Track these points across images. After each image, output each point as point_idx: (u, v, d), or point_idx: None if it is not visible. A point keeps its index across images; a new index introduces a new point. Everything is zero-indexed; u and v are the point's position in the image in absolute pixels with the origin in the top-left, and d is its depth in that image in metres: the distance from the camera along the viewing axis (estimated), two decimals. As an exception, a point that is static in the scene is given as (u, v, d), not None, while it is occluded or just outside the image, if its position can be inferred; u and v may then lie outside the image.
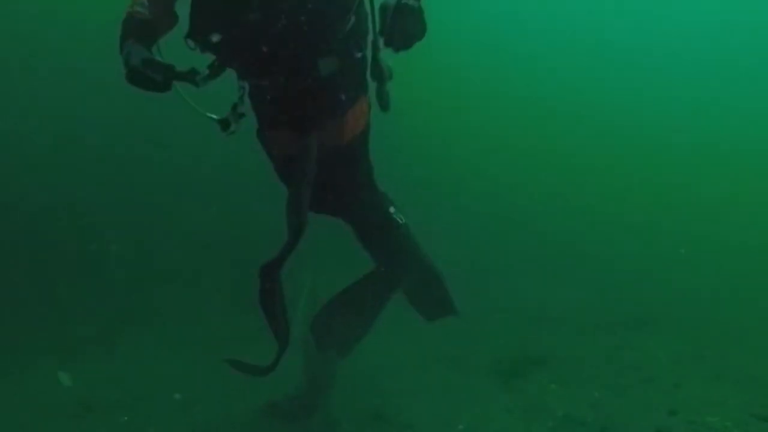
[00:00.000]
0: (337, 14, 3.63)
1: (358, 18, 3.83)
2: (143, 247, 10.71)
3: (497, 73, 26.81)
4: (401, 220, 4.88)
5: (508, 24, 32.52)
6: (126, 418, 6.82)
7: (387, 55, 3.84)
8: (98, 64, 8.35)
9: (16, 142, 11.72)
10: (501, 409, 7.21)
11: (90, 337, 8.70)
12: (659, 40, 34.75)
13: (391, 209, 4.85)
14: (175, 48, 3.89)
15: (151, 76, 3.36)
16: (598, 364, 8.71)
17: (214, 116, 3.87)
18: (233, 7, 3.45)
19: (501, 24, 32.26)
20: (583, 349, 9.41)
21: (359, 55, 3.96)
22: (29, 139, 11.93)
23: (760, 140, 24.70)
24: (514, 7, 33.35)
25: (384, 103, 4.00)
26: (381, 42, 3.61)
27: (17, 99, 11.89)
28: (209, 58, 3.75)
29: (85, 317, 9.09)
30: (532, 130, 22.26)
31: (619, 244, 15.40)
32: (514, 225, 15.23)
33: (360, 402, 7.17)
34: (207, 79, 3.64)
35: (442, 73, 21.62)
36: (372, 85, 4.05)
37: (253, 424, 6.79)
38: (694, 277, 13.06)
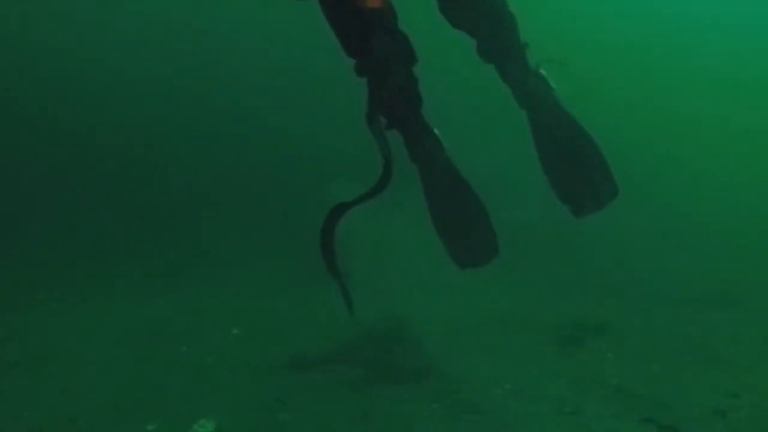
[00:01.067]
0: None
1: None
2: (215, 192, 11.12)
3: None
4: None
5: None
6: (186, 348, 7.15)
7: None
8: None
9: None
10: (551, 373, 7.06)
11: (159, 271, 9.15)
12: None
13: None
14: None
15: None
16: (662, 338, 8.34)
17: None
18: None
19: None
20: (649, 321, 9.05)
21: None
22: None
23: None
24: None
25: None
26: None
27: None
28: None
29: (157, 252, 9.59)
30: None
31: (719, 216, 14.47)
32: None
33: (414, 356, 7.19)
34: None
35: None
36: None
37: (304, 361, 6.96)
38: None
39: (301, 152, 12.72)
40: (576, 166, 3.87)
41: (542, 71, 3.91)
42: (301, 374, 6.65)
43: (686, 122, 19.30)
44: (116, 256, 9.10)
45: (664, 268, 11.38)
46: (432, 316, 8.06)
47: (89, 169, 11.26)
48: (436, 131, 4.01)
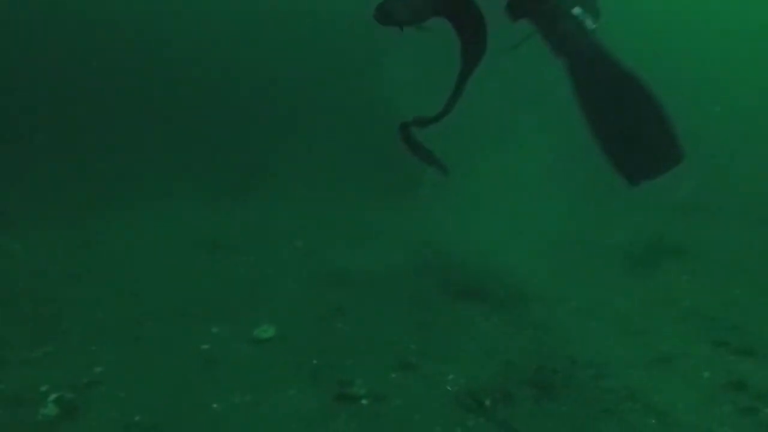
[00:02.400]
0: None
1: None
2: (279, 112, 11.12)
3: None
4: None
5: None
6: (250, 258, 7.29)
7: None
8: None
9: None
10: (620, 294, 6.79)
11: (227, 188, 9.31)
12: None
13: None
14: None
15: None
16: (747, 261, 7.85)
17: None
18: None
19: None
20: (732, 243, 8.53)
21: None
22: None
23: None
24: None
25: None
26: None
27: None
28: None
29: (225, 168, 9.75)
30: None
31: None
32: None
33: (478, 276, 7.05)
34: None
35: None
36: None
37: (367, 274, 6.98)
38: None
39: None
40: (626, 124, 3.09)
41: (578, 10, 3.17)
42: (362, 287, 6.67)
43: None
44: (187, 173, 9.31)
45: (747, 188, 10.61)
46: (498, 238, 7.84)
47: (159, 87, 11.45)
48: (576, 11, 3.19)
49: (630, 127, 3.09)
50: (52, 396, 4.34)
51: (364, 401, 4.62)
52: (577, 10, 3.12)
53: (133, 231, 7.76)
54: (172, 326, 5.52)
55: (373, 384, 4.79)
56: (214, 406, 4.44)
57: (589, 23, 3.14)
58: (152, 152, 9.84)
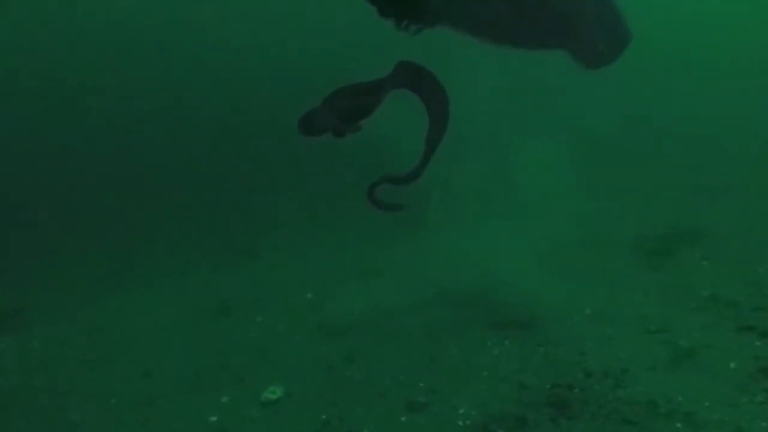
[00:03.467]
0: None
1: None
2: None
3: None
4: None
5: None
6: (260, 318, 7.26)
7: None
8: None
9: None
10: (635, 291, 6.54)
11: (233, 247, 9.35)
12: None
13: None
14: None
15: None
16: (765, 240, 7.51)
17: None
18: None
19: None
20: (752, 221, 8.17)
21: None
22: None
23: None
24: None
25: None
26: None
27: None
28: None
29: (230, 229, 9.83)
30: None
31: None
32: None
33: (484, 293, 6.91)
34: None
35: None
36: None
37: (378, 315, 6.87)
38: None
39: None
40: (576, 13, 3.08)
41: None
42: (373, 329, 6.57)
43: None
44: (191, 241, 9.40)
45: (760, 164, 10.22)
46: (506, 255, 7.71)
47: (154, 158, 11.64)
48: None
49: (579, 14, 3.06)
50: (62, 494, 4.33)
51: (374, 451, 4.50)
52: None
53: (144, 307, 7.80)
54: (181, 402, 5.49)
55: (382, 431, 4.66)
56: (222, 480, 4.37)
57: None
58: (155, 227, 9.97)
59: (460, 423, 4.65)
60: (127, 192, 10.60)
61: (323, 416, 5.00)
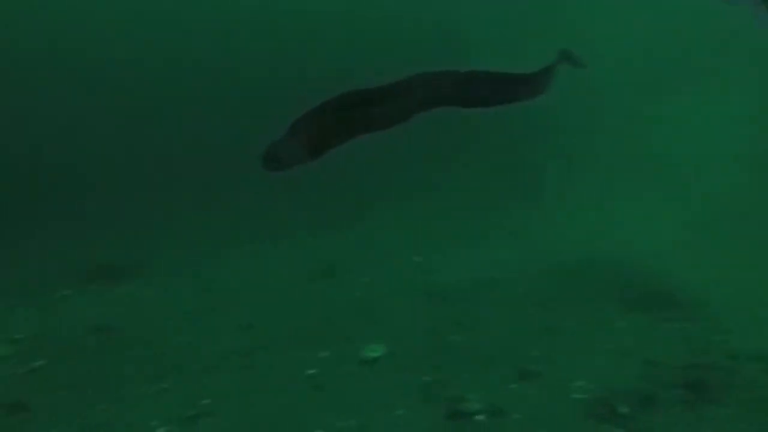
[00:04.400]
0: None
1: None
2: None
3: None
4: None
5: None
6: (365, 279, 7.04)
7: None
8: None
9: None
10: None
11: (341, 210, 9.23)
12: None
13: None
14: None
15: None
16: None
17: None
18: None
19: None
20: None
21: None
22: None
23: None
24: None
25: None
26: None
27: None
28: None
29: (339, 192, 9.71)
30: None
31: None
32: None
33: (620, 270, 6.28)
34: None
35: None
36: None
37: (487, 283, 6.46)
38: None
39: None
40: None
41: None
42: (482, 296, 6.16)
43: None
44: (301, 203, 9.36)
45: None
46: (632, 226, 7.01)
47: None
48: None
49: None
50: (161, 431, 4.30)
51: (479, 417, 4.10)
52: None
53: (254, 265, 7.84)
54: (280, 354, 5.36)
55: (490, 398, 4.26)
56: (318, 432, 4.16)
57: None
58: (271, 190, 10.05)
59: (576, 396, 4.15)
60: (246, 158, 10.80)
61: (426, 378, 4.66)
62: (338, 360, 5.12)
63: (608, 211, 7.63)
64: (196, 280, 7.63)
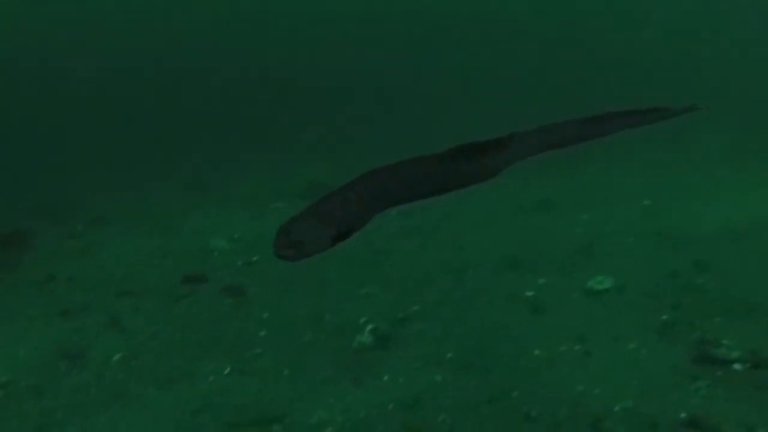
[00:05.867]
0: None
1: None
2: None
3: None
4: None
5: None
6: (586, 216, 6.41)
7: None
8: None
9: None
10: None
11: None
12: None
13: None
14: None
15: None
16: None
17: None
18: None
19: None
20: None
21: None
22: None
23: None
24: None
25: None
26: None
27: None
28: None
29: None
30: None
31: None
32: None
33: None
34: None
35: None
36: None
37: (736, 234, 5.50)
38: None
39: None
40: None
41: None
42: (727, 244, 5.27)
43: None
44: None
45: None
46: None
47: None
48: None
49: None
50: (369, 327, 4.20)
51: (737, 366, 3.43)
52: None
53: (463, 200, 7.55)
54: (493, 275, 5.03)
55: (752, 347, 3.54)
56: (536, 352, 3.77)
57: None
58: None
59: None
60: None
61: (664, 317, 4.04)
62: (560, 288, 4.65)
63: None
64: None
